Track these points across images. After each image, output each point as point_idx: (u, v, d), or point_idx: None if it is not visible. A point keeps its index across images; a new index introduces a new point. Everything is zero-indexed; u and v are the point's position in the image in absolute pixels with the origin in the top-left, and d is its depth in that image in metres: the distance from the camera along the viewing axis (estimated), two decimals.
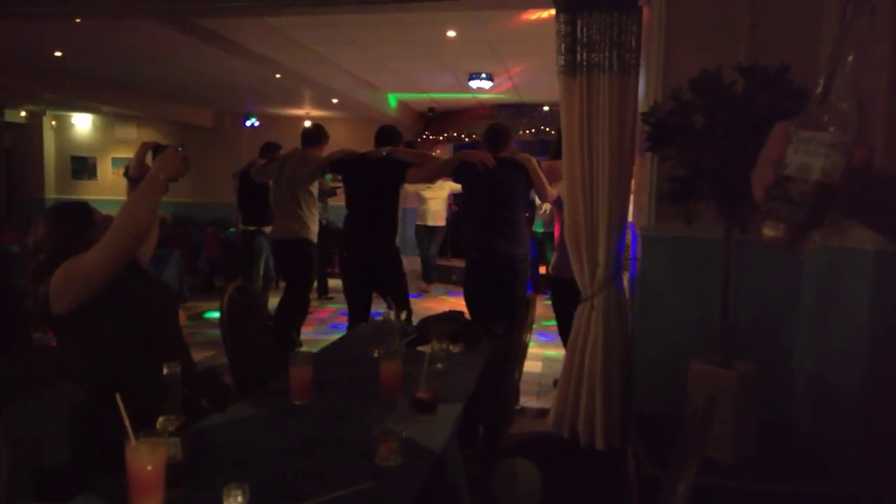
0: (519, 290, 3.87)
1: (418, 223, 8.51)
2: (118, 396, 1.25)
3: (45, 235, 1.89)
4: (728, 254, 2.92)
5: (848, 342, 2.76)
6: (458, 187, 7.21)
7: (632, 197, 3.67)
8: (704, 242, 3.22)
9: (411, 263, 10.21)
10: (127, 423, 1.23)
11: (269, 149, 5.91)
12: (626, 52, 3.33)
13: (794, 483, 2.70)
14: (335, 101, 8.84)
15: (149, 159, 2.12)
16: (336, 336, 4.93)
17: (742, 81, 2.81)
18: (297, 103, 9.91)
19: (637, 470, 2.93)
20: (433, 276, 8.73)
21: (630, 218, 3.70)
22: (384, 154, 4.12)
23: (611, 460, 3.33)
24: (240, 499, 1.07)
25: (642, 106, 3.38)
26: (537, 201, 7.99)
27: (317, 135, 4.90)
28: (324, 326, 6.22)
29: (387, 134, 4.31)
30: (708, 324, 3.10)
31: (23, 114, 11.66)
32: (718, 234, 2.95)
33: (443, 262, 9.54)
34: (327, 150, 4.82)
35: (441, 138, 10.04)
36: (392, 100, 9.19)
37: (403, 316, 2.56)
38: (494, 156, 3.95)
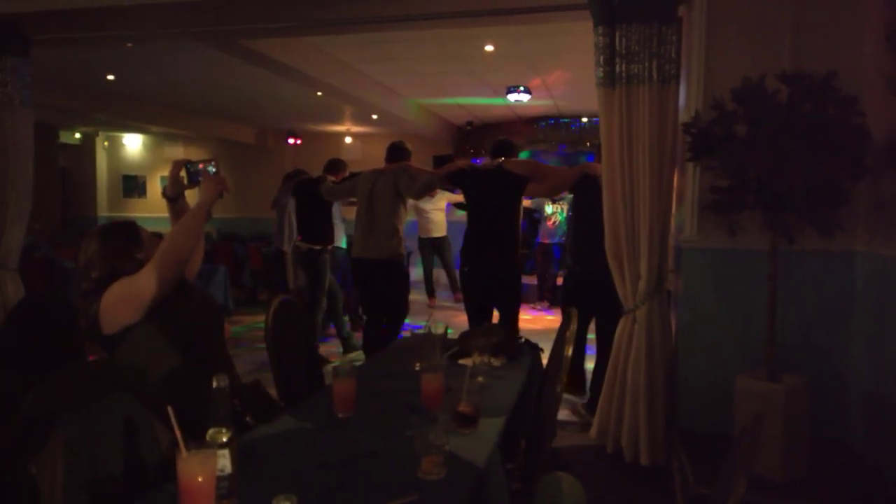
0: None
1: (421, 236, 8.27)
2: (170, 409, 1.29)
3: (95, 253, 1.97)
4: (774, 265, 2.86)
5: None
6: (457, 198, 6.73)
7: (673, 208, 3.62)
8: (749, 254, 3.16)
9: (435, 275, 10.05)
10: (179, 435, 1.27)
11: (337, 166, 5.60)
12: (666, 62, 3.30)
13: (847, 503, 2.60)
14: (375, 116, 8.97)
15: (182, 177, 2.20)
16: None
17: (786, 90, 2.77)
18: (337, 120, 10.09)
19: (683, 487, 2.87)
20: (455, 285, 8.42)
21: (672, 229, 3.65)
22: (495, 165, 4.07)
23: (656, 476, 3.27)
24: None
25: (683, 116, 3.35)
26: (547, 210, 7.94)
27: (400, 149, 4.68)
28: None
29: (502, 146, 4.23)
30: (754, 337, 3.04)
31: (77, 135, 12.17)
32: (763, 244, 2.89)
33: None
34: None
35: (481, 152, 10.07)
36: (424, 116, 9.24)
37: (443, 328, 2.57)
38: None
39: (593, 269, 3.82)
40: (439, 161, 4.36)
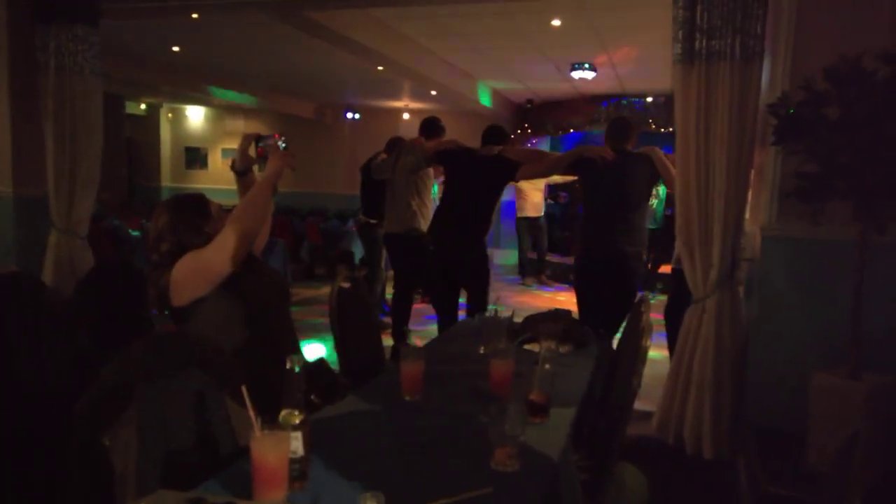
0: (631, 289, 3.69)
1: (519, 216, 8.42)
2: (244, 388, 1.27)
3: (166, 225, 1.98)
4: (862, 257, 2.68)
5: None
6: (557, 179, 7.08)
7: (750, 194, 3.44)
8: (833, 244, 2.97)
9: (506, 257, 10.13)
10: (252, 414, 1.25)
11: (395, 144, 5.59)
12: (749, 38, 3.10)
13: None
14: (434, 92, 8.89)
15: (252, 150, 2.19)
16: (432, 327, 4.96)
17: (886, 69, 2.56)
18: (396, 95, 10.04)
19: (751, 485, 2.75)
20: (541, 267, 8.58)
21: (747, 215, 3.47)
22: (496, 152, 4.03)
23: (719, 471, 3.15)
24: None
25: (766, 97, 3.15)
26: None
27: (433, 126, 4.74)
28: (420, 317, 6.27)
29: (495, 133, 4.21)
30: (833, 332, 2.87)
31: (142, 106, 12.50)
32: (850, 235, 2.72)
33: (533, 254, 9.42)
34: None
35: (539, 130, 9.89)
36: (485, 93, 9.12)
37: (510, 312, 2.50)
38: (617, 150, 3.79)
39: (602, 252, 3.78)
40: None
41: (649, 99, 8.96)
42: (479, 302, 3.96)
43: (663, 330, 4.07)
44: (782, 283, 3.17)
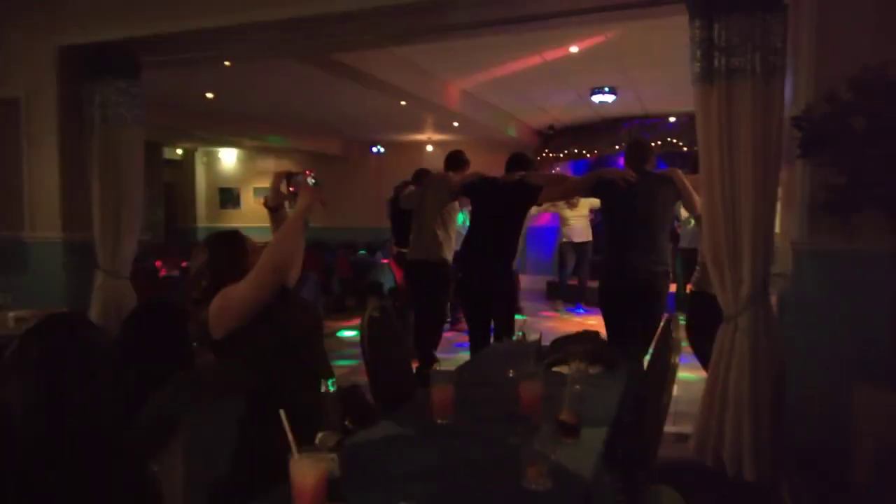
0: (657, 309, 3.69)
1: (563, 241, 8.47)
2: (282, 413, 1.31)
3: (204, 263, 2.06)
4: None
5: None
6: (596, 202, 7.08)
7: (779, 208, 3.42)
8: (867, 256, 2.92)
9: (535, 283, 10.12)
10: (291, 437, 1.29)
11: (421, 175, 5.81)
12: (770, 53, 3.10)
13: None
14: (456, 124, 9.03)
15: (283, 187, 2.27)
16: (462, 354, 4.98)
17: None
18: (419, 129, 10.23)
19: None
20: (581, 294, 8.58)
21: (777, 230, 3.44)
22: (517, 178, 4.11)
23: (762, 493, 3.07)
24: None
25: (790, 110, 3.15)
26: (683, 215, 7.68)
27: (457, 159, 4.92)
28: (450, 345, 6.29)
29: (519, 160, 4.32)
30: (872, 347, 2.80)
31: (179, 151, 12.95)
32: (885, 247, 2.67)
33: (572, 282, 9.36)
34: None
35: (561, 156, 9.91)
36: (506, 122, 9.22)
37: (537, 336, 2.52)
38: (637, 171, 3.83)
39: (626, 273, 3.80)
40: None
41: (672, 119, 8.94)
42: (505, 328, 4.00)
43: None
44: (816, 298, 3.12)
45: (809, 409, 3.10)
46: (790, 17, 3.18)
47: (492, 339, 4.10)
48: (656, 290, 3.75)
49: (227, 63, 5.47)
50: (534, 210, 7.07)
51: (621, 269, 3.85)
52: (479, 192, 4.27)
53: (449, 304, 6.04)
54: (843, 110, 2.63)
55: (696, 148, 3.41)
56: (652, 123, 9.06)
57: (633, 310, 3.77)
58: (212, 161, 13.43)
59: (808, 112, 2.81)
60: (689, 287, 4.03)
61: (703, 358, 3.53)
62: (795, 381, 3.17)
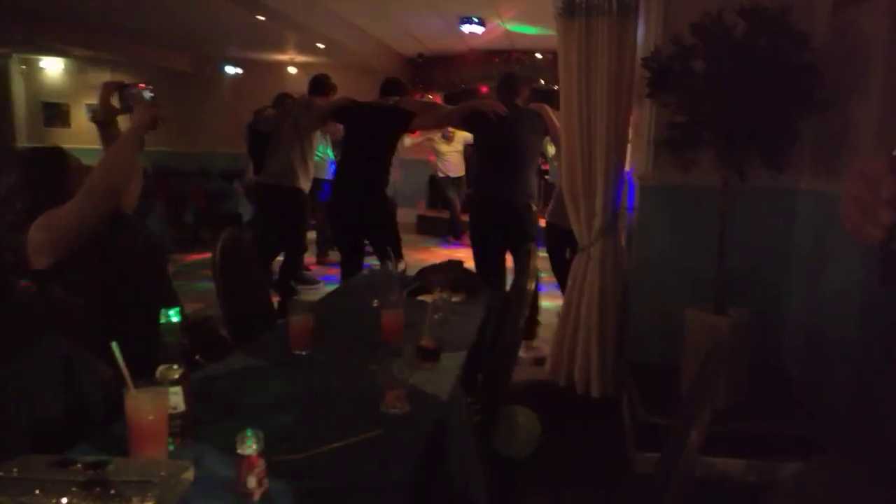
0: (525, 241, 3.82)
1: (440, 176, 8.47)
2: (115, 346, 1.20)
3: (17, 183, 1.81)
4: (724, 202, 2.90)
5: (839, 287, 2.77)
6: (470, 137, 7.08)
7: (629, 145, 3.62)
8: (702, 190, 3.18)
9: (406, 216, 10.12)
10: (125, 372, 1.19)
11: (283, 100, 5.54)
12: None
13: (781, 425, 2.76)
14: (321, 45, 8.57)
15: (114, 101, 2.05)
16: (329, 288, 4.91)
17: (743, 24, 2.74)
18: (280, 48, 9.59)
19: (633, 417, 2.96)
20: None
21: (627, 167, 3.65)
22: (391, 103, 4.01)
23: (607, 408, 3.37)
24: (254, 446, 1.04)
25: (642, 51, 3.29)
26: (550, 152, 7.90)
27: (323, 84, 4.76)
28: (316, 278, 6.17)
29: (393, 85, 4.22)
30: (704, 272, 3.10)
31: None
32: (716, 181, 2.92)
33: (431, 212, 9.48)
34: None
35: (432, 88, 9.81)
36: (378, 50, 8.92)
37: (403, 266, 2.51)
38: (508, 105, 3.85)
39: (494, 204, 3.90)
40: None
41: (538, 55, 9.11)
42: (395, 250, 3.96)
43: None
44: (657, 229, 3.37)
45: (648, 329, 3.40)
46: None
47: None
48: (523, 222, 3.87)
49: None
50: (408, 142, 7.01)
51: (490, 202, 3.92)
52: (352, 116, 4.13)
53: (318, 237, 5.89)
54: (686, 53, 2.78)
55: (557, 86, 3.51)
56: (519, 57, 9.18)
57: (501, 241, 3.87)
58: (32, 71, 11.73)
59: (656, 54, 2.95)
60: (541, 220, 4.21)
61: (562, 286, 3.74)
62: (638, 304, 3.46)
